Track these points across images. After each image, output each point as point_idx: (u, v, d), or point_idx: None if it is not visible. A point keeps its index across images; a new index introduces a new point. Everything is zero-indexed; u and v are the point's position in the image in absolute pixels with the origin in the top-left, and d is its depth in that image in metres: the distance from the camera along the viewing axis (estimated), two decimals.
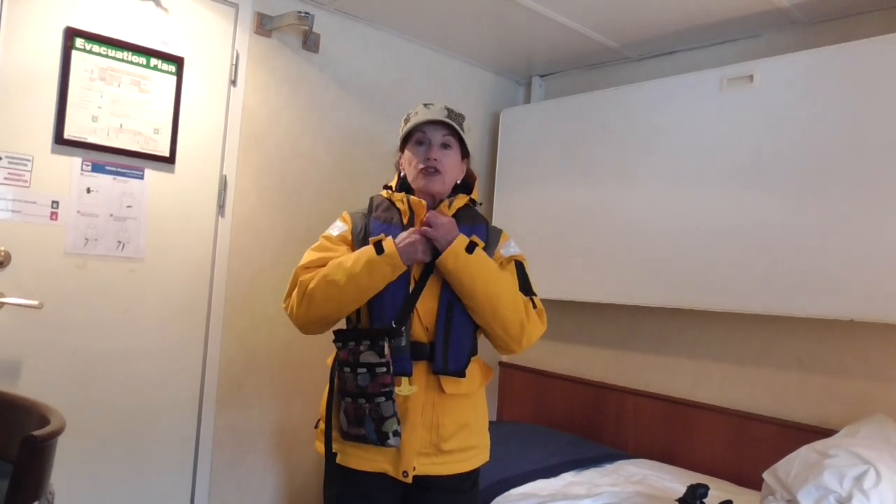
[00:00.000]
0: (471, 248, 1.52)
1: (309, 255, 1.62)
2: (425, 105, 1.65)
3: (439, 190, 1.61)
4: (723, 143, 2.46)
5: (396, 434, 1.48)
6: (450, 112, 1.62)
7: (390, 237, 1.53)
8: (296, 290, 1.58)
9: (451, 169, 1.62)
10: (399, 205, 1.63)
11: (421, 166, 1.59)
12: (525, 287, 1.64)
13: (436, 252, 1.53)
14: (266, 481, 2.68)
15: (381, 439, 1.48)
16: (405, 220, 1.61)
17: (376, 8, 2.77)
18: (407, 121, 1.65)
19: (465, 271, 1.51)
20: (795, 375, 2.45)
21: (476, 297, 1.52)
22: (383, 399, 1.46)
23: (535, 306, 1.62)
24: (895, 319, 2.07)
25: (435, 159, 1.59)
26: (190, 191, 2.41)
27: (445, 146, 1.61)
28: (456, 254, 1.50)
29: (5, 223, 2.03)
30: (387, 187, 1.70)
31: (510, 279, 1.61)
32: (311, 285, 1.54)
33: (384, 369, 1.46)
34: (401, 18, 2.86)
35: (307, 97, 2.73)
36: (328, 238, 1.64)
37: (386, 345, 1.47)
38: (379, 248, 1.50)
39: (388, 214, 1.63)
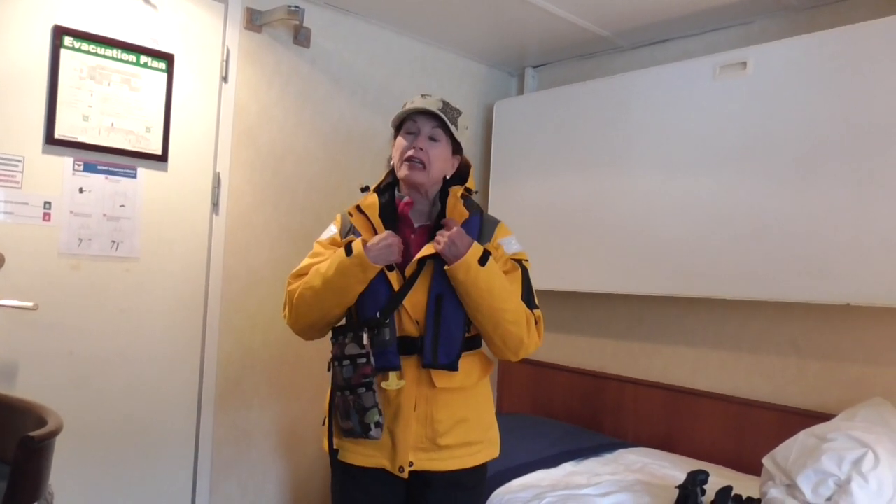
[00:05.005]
0: (484, 259, 1.49)
1: (301, 263, 1.64)
2: (423, 95, 1.63)
3: (421, 182, 1.58)
4: (717, 131, 2.46)
5: (378, 425, 1.48)
6: (445, 105, 1.59)
7: (360, 238, 1.52)
8: (286, 299, 1.61)
9: (437, 161, 1.59)
10: (357, 221, 1.62)
11: (406, 156, 1.57)
12: (528, 297, 1.59)
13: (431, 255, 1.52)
14: (267, 478, 2.68)
15: (364, 431, 1.49)
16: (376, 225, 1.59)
17: (367, 1, 2.75)
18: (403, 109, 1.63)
19: (474, 284, 1.48)
20: (793, 361, 2.46)
21: (481, 309, 1.51)
22: (363, 390, 1.47)
23: (536, 321, 1.59)
24: (891, 303, 2.07)
25: (420, 149, 1.56)
26: (183, 189, 2.40)
27: (434, 139, 1.59)
28: (468, 265, 1.46)
29: None
30: (364, 189, 1.69)
31: (516, 290, 1.57)
32: (297, 294, 1.57)
33: (364, 360, 1.48)
34: (392, 12, 2.84)
35: (299, 92, 2.72)
36: (320, 243, 1.65)
37: (365, 335, 1.48)
38: (348, 250, 1.50)
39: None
